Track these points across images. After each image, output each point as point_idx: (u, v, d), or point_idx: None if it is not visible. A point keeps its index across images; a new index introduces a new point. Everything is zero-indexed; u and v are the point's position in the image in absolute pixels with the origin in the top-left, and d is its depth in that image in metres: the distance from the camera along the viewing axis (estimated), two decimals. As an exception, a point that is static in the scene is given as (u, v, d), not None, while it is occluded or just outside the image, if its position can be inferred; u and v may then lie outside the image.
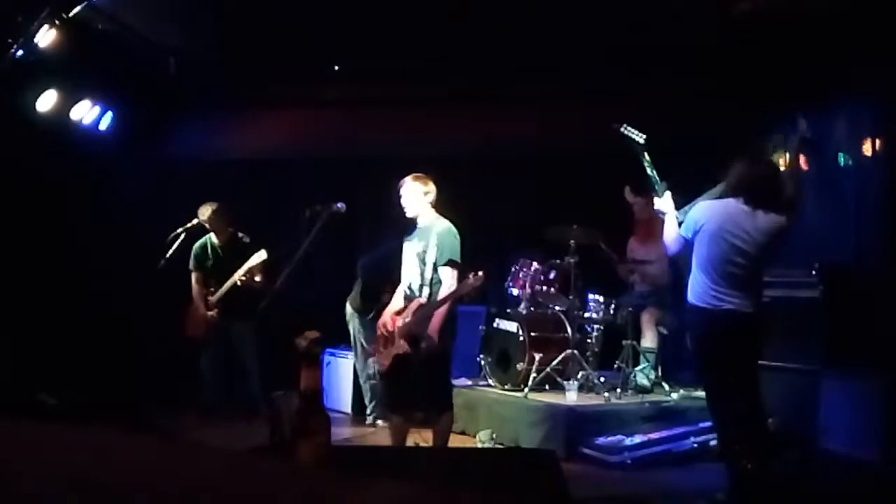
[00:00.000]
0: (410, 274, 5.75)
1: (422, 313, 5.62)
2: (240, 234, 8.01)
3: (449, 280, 5.58)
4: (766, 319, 5.35)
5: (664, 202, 5.50)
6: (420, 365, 5.63)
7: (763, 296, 5.32)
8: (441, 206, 5.82)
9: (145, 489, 0.78)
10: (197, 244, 8.03)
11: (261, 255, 7.58)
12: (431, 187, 5.76)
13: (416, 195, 5.73)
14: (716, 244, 5.13)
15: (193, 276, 8.05)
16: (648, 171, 5.47)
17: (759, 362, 5.42)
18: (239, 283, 7.70)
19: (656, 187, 5.48)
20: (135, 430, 0.97)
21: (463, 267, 5.63)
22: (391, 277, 6.10)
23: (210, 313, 7.91)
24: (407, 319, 5.66)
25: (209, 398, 7.90)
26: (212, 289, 7.95)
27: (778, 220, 5.14)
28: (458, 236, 5.70)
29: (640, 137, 5.58)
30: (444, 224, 5.72)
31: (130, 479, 0.81)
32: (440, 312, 5.54)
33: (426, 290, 5.66)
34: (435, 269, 5.62)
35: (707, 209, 5.25)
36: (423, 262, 5.66)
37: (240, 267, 7.71)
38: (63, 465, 0.84)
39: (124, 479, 0.80)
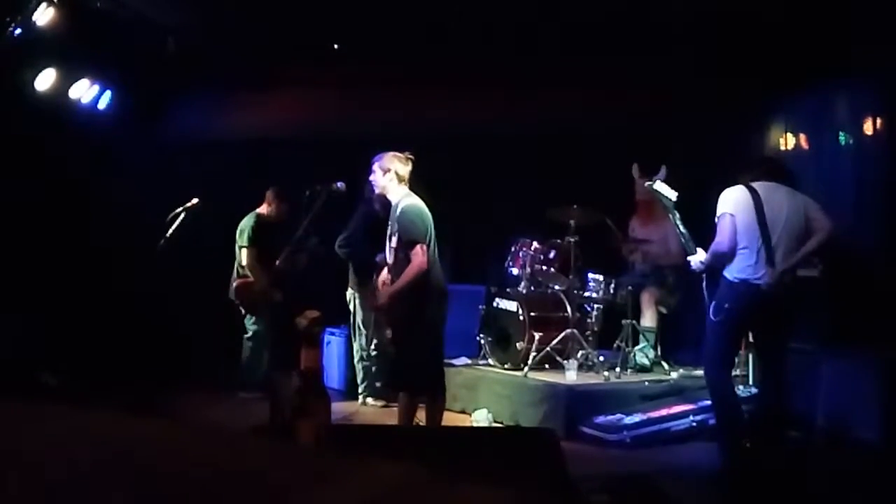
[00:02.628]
0: (388, 256, 5.81)
1: (380, 296, 5.71)
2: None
3: (416, 259, 5.48)
4: (796, 297, 5.48)
5: (697, 258, 5.64)
6: (396, 346, 5.70)
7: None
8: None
9: (144, 469, 0.78)
10: (250, 221, 8.05)
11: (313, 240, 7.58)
12: (395, 165, 5.68)
13: (378, 173, 5.71)
14: (757, 221, 5.38)
15: (251, 252, 7.98)
16: (680, 227, 5.64)
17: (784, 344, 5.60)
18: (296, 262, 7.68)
19: (688, 244, 5.66)
20: (135, 410, 0.97)
21: (423, 243, 5.51)
22: (373, 250, 6.14)
23: (274, 290, 7.91)
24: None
25: (247, 375, 7.90)
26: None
27: (805, 199, 5.51)
28: (419, 214, 5.60)
29: (671, 195, 5.75)
30: (404, 203, 5.65)
31: (130, 459, 0.81)
32: (393, 296, 5.59)
33: (392, 274, 5.70)
34: (398, 251, 5.60)
35: (738, 188, 5.53)
36: (390, 243, 5.69)
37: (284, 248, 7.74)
38: (62, 446, 0.84)
39: (124, 459, 0.80)
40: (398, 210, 5.63)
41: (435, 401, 5.79)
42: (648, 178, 8.32)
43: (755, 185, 5.50)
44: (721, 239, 5.44)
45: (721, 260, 5.46)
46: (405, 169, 5.71)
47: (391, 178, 5.68)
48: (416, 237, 5.49)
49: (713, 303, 5.51)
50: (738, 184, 5.58)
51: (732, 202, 5.47)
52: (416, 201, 5.66)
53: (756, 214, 5.38)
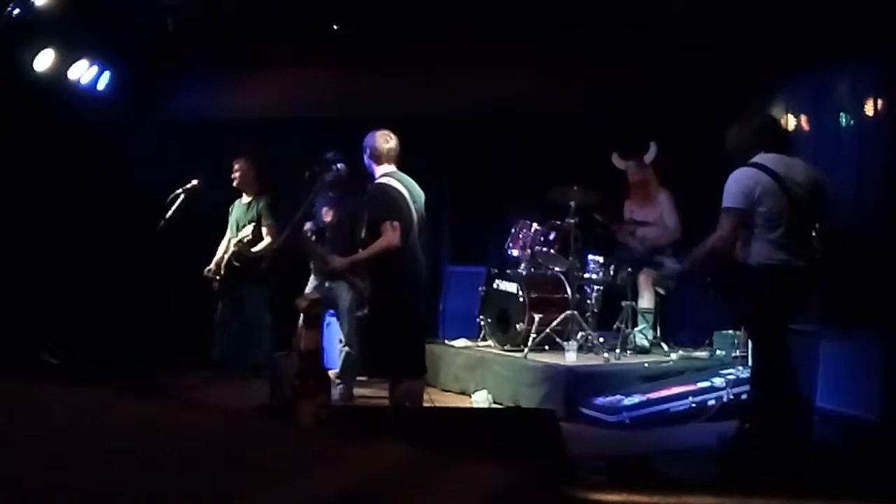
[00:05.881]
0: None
1: (336, 260, 5.73)
2: (262, 198, 8.07)
3: (386, 235, 5.28)
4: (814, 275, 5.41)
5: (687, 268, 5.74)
6: (372, 330, 5.71)
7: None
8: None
9: (145, 447, 0.79)
10: (232, 205, 8.24)
11: (245, 231, 7.61)
12: (373, 143, 5.53)
13: (364, 153, 5.60)
14: (777, 199, 5.20)
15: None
16: (666, 262, 5.69)
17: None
18: (234, 249, 7.73)
19: (679, 271, 5.72)
20: (136, 390, 0.97)
21: (393, 221, 5.31)
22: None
23: (211, 269, 7.96)
24: None
25: (217, 354, 7.97)
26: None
27: (821, 177, 5.43)
28: (384, 193, 5.43)
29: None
30: (373, 184, 5.53)
31: (131, 437, 0.81)
32: (354, 263, 5.60)
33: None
34: (368, 230, 5.47)
35: (752, 171, 5.28)
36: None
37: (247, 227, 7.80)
38: (64, 426, 0.84)
39: (124, 438, 0.81)
40: (368, 190, 5.53)
41: (414, 383, 5.64)
42: (638, 159, 8.37)
43: (765, 161, 5.28)
44: (721, 234, 5.29)
45: (717, 253, 5.38)
46: (384, 146, 5.53)
47: (369, 156, 5.55)
48: (380, 216, 5.33)
49: (749, 299, 5.40)
50: (739, 152, 5.47)
51: (742, 193, 5.22)
52: (386, 181, 5.49)
53: (780, 195, 5.18)
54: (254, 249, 7.75)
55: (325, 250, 6.21)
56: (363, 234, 5.56)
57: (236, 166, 8.02)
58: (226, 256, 7.97)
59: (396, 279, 5.37)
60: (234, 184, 8.04)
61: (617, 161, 8.52)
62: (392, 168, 5.55)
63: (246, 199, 8.11)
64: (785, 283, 5.25)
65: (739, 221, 5.25)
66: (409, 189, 5.51)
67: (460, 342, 8.22)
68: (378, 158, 5.54)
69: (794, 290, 5.29)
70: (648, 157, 8.33)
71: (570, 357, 7.22)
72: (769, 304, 5.29)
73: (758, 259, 5.27)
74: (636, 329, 7.93)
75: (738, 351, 7.28)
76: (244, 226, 7.88)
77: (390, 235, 5.25)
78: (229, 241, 8.06)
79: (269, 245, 7.67)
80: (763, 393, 5.50)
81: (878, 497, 4.50)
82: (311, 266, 7.39)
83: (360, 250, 5.64)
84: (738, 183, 5.27)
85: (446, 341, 8.36)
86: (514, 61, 8.59)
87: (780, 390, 5.35)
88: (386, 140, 5.55)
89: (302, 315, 3.38)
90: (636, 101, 8.50)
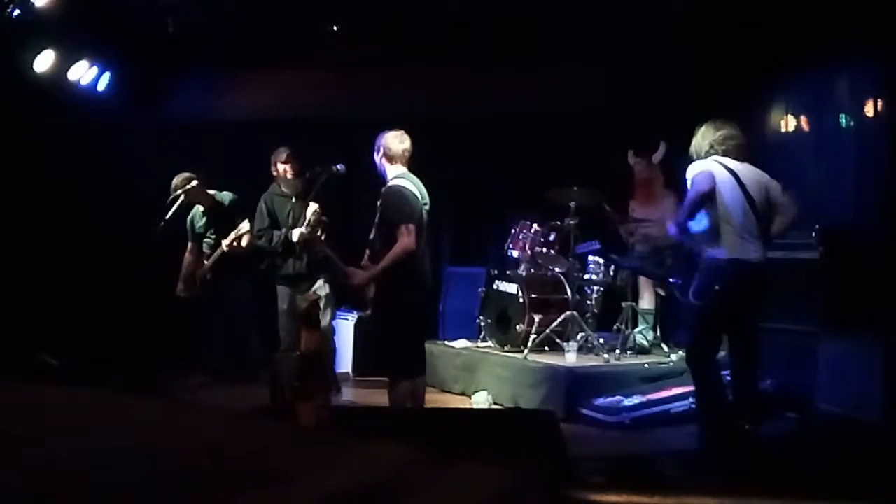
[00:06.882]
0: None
1: (357, 276, 5.59)
2: (216, 197, 7.80)
3: (403, 239, 5.23)
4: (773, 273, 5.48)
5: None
6: (376, 330, 5.71)
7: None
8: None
9: (145, 449, 0.79)
10: (188, 217, 7.89)
11: (245, 226, 7.44)
12: (385, 143, 5.48)
13: (376, 154, 5.55)
14: (735, 195, 5.33)
15: (188, 246, 7.96)
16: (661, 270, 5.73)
17: (760, 323, 5.57)
18: (225, 249, 7.60)
19: (679, 285, 5.77)
20: (136, 391, 0.97)
21: (409, 224, 5.26)
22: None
23: (181, 286, 7.85)
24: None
25: (213, 358, 7.93)
26: (206, 253, 7.86)
27: (768, 178, 5.49)
28: (400, 195, 5.37)
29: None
30: (387, 186, 5.47)
31: (130, 439, 0.81)
32: (375, 277, 5.44)
33: (369, 252, 5.57)
34: (379, 231, 5.43)
35: (709, 162, 5.44)
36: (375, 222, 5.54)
37: (224, 230, 7.57)
38: (63, 426, 0.84)
39: (124, 440, 0.81)
40: (384, 191, 5.46)
41: (415, 382, 5.58)
42: (647, 157, 8.36)
43: (721, 160, 5.43)
44: (699, 189, 5.36)
45: (696, 208, 5.39)
46: (398, 146, 5.47)
47: (381, 156, 5.50)
48: (396, 219, 5.28)
49: (696, 285, 5.44)
50: (699, 156, 5.56)
51: (710, 172, 5.37)
52: (401, 182, 5.44)
53: (740, 191, 5.32)
54: (243, 244, 7.60)
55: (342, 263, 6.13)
56: (372, 236, 5.53)
57: (179, 189, 7.46)
58: (207, 262, 7.76)
59: (403, 281, 5.34)
60: (185, 197, 7.51)
61: (631, 158, 8.51)
62: (403, 169, 5.50)
63: (202, 206, 7.81)
64: (737, 278, 5.32)
65: (713, 182, 5.34)
66: (419, 190, 5.50)
67: (460, 343, 8.21)
68: (392, 159, 5.49)
69: (746, 286, 5.37)
70: (657, 157, 8.33)
71: (570, 358, 7.22)
72: (715, 297, 5.36)
73: (716, 253, 5.36)
74: (636, 330, 7.93)
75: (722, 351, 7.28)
76: (219, 225, 7.71)
77: (406, 240, 5.21)
78: (202, 244, 7.84)
79: (250, 243, 7.48)
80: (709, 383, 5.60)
81: (878, 497, 4.50)
82: (278, 271, 7.28)
83: (367, 251, 5.63)
84: (702, 166, 5.44)
85: (446, 342, 8.35)
86: (515, 61, 8.59)
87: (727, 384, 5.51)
88: (400, 140, 5.49)
89: (302, 316, 3.38)
90: (635, 102, 8.51)
